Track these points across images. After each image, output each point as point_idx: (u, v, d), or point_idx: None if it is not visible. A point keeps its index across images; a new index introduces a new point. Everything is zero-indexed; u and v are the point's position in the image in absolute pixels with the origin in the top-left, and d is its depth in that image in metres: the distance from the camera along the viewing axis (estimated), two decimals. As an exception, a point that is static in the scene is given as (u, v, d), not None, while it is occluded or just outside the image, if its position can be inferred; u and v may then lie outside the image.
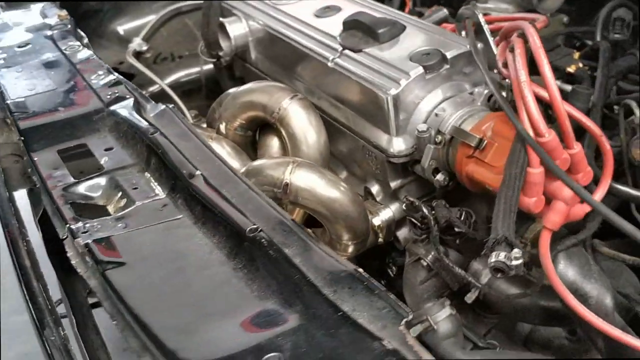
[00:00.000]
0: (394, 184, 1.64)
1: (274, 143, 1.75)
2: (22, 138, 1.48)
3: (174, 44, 2.65)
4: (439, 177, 1.55)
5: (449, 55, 1.57)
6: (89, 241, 1.16)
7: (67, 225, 1.23)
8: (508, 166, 1.32)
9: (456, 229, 1.52)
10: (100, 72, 1.71)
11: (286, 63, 1.89)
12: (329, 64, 1.70)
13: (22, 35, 1.97)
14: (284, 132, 1.66)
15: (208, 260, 1.10)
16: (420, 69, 1.54)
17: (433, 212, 1.49)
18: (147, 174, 1.36)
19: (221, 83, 2.36)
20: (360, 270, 1.00)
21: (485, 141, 1.43)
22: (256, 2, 2.06)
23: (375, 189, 1.70)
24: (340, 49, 1.71)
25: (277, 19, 1.93)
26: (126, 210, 1.26)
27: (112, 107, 1.56)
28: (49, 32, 1.97)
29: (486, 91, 1.56)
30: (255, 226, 1.10)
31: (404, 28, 1.69)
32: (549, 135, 1.30)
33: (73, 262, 1.17)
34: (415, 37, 1.67)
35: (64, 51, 1.85)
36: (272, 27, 1.92)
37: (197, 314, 0.99)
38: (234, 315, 0.98)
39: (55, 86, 1.69)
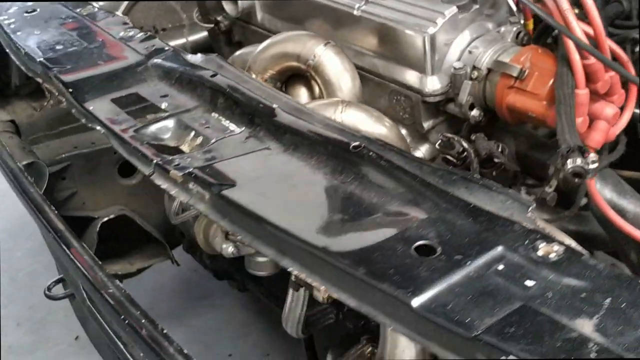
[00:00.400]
0: (426, 125, 1.71)
1: (302, 92, 1.78)
2: (71, 90, 1.46)
3: (155, 17, 2.62)
4: (474, 112, 1.63)
5: (479, -6, 1.65)
6: (191, 169, 1.17)
7: (154, 161, 1.23)
8: (559, 87, 1.41)
9: (495, 160, 1.60)
10: (127, 29, 1.70)
11: (300, 18, 1.92)
12: (355, 12, 1.75)
13: (24, 5, 1.92)
14: (319, 80, 1.70)
15: (315, 178, 1.13)
16: (455, 9, 1.62)
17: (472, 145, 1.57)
18: (215, 114, 1.37)
19: (216, 50, 2.37)
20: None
21: (526, 71, 1.52)
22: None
23: (403, 133, 1.76)
24: (364, -3, 1.76)
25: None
26: (207, 147, 1.27)
27: (155, 59, 1.55)
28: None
29: (515, 28, 1.65)
30: (358, 142, 1.14)
31: (425, -26, 1.76)
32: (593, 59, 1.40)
33: (172, 192, 1.18)
34: (437, -18, 1.74)
35: (79, 13, 1.82)
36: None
37: (331, 217, 1.02)
38: (367, 215, 1.01)
39: (85, 43, 1.67)
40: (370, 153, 1.12)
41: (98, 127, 1.37)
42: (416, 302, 0.83)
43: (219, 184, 1.11)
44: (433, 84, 1.64)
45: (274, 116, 1.28)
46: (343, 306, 2.20)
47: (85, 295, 1.62)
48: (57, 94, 1.55)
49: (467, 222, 0.96)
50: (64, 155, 2.34)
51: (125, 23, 1.74)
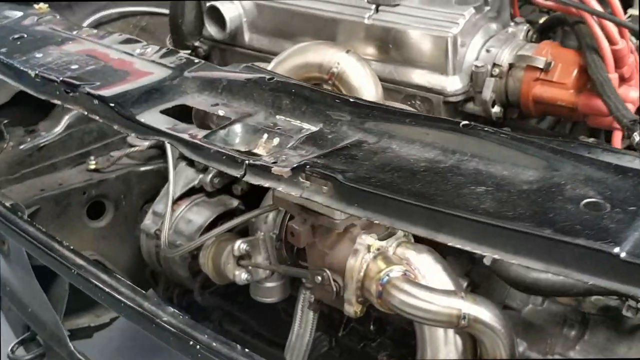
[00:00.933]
0: (447, 125, 1.75)
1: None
2: (112, 104, 1.37)
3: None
4: (496, 109, 1.70)
5: (488, -3, 1.73)
6: (296, 164, 1.13)
7: (245, 162, 1.18)
8: (595, 72, 1.51)
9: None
10: (143, 46, 1.63)
11: (298, 33, 1.92)
12: (366, 21, 1.78)
13: (8, 32, 1.79)
14: (342, 88, 1.70)
15: (429, 160, 1.12)
16: (472, 9, 1.69)
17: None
18: (280, 116, 1.34)
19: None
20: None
21: (552, 62, 1.60)
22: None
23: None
24: (372, 7, 1.79)
25: (280, -7, 1.97)
26: (291, 145, 1.23)
27: (189, 72, 1.50)
28: (39, 22, 1.82)
29: (525, 27, 1.74)
30: (466, 122, 1.15)
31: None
32: (622, 43, 1.51)
33: (280, 188, 1.13)
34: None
35: (77, 35, 1.73)
36: (280, 1, 1.95)
37: (473, 191, 1.01)
38: (509, 185, 1.02)
39: (102, 62, 1.57)
40: (483, 129, 1.13)
41: (159, 138, 1.29)
42: (621, 251, 0.84)
43: (341, 171, 1.08)
44: (455, 84, 1.69)
45: (355, 108, 1.27)
46: (337, 332, 2.17)
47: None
48: (86, 112, 1.45)
49: (617, 178, 0.99)
50: (33, 199, 2.18)
51: (133, 40, 1.66)
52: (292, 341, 1.88)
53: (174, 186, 2.13)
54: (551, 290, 1.67)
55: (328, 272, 1.68)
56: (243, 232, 1.92)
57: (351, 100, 1.29)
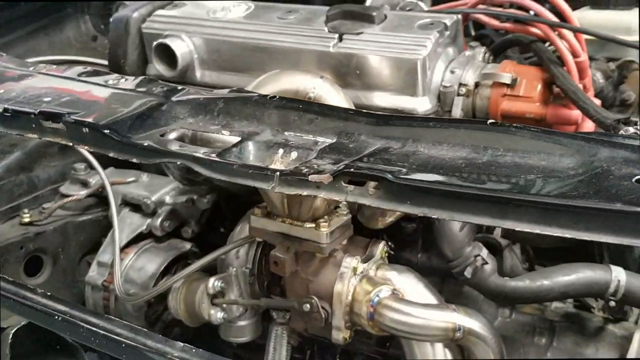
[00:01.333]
0: (418, 145, 1.79)
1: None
2: (107, 131, 1.30)
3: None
4: (464, 126, 1.76)
5: (447, 23, 1.81)
6: (335, 169, 1.11)
7: (277, 173, 1.15)
8: (565, 83, 1.62)
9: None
10: (115, 77, 1.57)
11: (256, 67, 1.91)
12: (331, 50, 1.80)
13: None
14: (318, 113, 1.70)
15: (463, 157, 1.15)
16: (437, 33, 1.76)
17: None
18: (289, 132, 1.32)
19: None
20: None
21: (518, 79, 1.70)
22: (184, 19, 2.05)
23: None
24: (335, 36, 1.82)
25: (235, 28, 1.96)
26: (314, 156, 1.22)
27: (176, 97, 1.45)
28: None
29: (482, 49, 1.84)
30: (493, 120, 1.19)
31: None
32: (584, 56, 1.63)
33: (321, 194, 1.11)
34: (398, 18, 1.87)
35: (36, 70, 1.63)
36: (235, 35, 1.94)
37: (525, 179, 1.04)
38: (552, 173, 1.06)
39: (75, 93, 1.49)
40: (511, 125, 1.17)
41: (168, 160, 1.24)
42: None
43: (390, 171, 1.07)
44: (425, 105, 1.75)
45: (371, 118, 1.28)
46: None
47: None
48: (70, 144, 1.36)
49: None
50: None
51: (102, 72, 1.59)
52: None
53: (120, 234, 2.03)
54: (528, 297, 1.73)
55: (316, 299, 1.66)
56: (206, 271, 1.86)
57: (364, 111, 1.30)
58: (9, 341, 1.93)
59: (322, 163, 1.17)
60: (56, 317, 1.44)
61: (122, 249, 2.04)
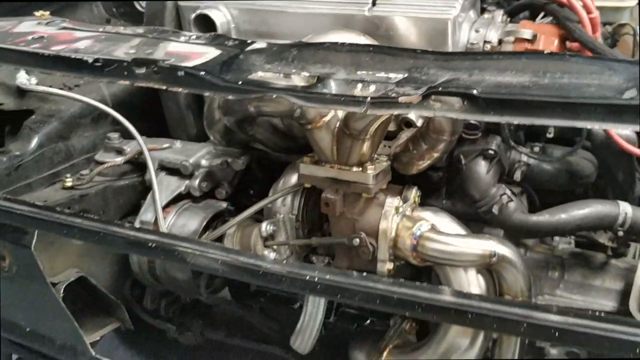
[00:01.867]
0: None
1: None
2: (203, 73, 1.45)
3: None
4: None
5: (471, -15, 2.02)
6: (422, 91, 1.29)
7: (367, 99, 1.32)
8: (582, 36, 1.82)
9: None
10: (183, 33, 1.71)
11: (290, 34, 2.07)
12: (366, 14, 1.99)
13: (23, 35, 1.79)
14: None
15: (530, 79, 1.34)
16: (463, -6, 1.96)
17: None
18: (361, 71, 1.48)
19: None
20: None
21: (537, 35, 1.91)
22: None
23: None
24: (369, 1, 2.01)
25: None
26: (390, 88, 1.40)
27: (249, 49, 1.62)
28: (52, 25, 1.83)
29: (501, 11, 2.05)
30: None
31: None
32: (596, 12, 1.85)
33: (410, 113, 1.28)
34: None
35: (106, 31, 1.77)
36: (271, 4, 2.10)
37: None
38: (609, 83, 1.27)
39: (155, 47, 1.64)
40: (566, 54, 1.38)
41: (268, 93, 1.39)
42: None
43: (472, 87, 1.26)
44: (453, 61, 1.94)
45: (437, 55, 1.46)
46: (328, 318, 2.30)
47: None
48: (164, 87, 1.50)
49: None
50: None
51: (168, 30, 1.74)
52: (303, 323, 1.98)
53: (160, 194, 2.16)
54: (548, 230, 1.95)
55: (364, 234, 1.83)
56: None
57: (430, 49, 1.48)
58: (61, 296, 2.06)
59: (404, 90, 1.35)
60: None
61: (163, 209, 2.17)
